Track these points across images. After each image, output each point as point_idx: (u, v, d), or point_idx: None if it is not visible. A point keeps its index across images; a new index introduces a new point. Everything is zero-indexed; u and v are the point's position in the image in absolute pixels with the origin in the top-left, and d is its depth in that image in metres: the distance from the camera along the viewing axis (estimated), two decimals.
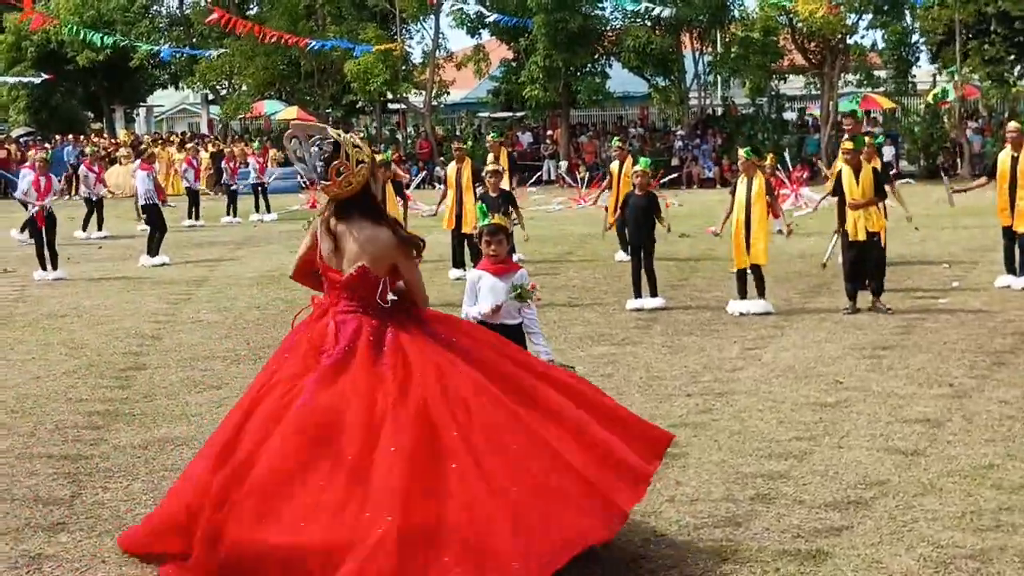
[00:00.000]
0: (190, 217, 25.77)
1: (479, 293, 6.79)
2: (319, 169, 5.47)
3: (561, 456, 5.25)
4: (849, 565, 5.42)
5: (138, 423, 8.37)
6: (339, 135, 5.53)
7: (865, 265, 12.31)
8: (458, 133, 41.84)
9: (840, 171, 12.54)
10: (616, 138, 20.40)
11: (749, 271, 12.47)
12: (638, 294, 12.92)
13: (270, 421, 5.24)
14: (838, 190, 12.46)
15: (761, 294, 12.49)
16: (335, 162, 5.39)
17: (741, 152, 12.89)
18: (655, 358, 10.25)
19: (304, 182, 25.86)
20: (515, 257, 15.91)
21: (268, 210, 27.01)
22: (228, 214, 26.66)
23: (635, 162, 16.35)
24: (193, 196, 26.06)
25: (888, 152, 32.21)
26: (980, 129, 36.60)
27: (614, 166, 17.45)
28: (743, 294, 12.51)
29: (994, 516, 6.01)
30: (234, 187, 27.15)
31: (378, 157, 15.30)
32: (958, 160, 35.04)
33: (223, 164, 29.10)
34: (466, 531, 4.83)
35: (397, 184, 17.12)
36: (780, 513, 6.13)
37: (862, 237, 12.14)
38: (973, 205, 23.85)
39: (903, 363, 9.71)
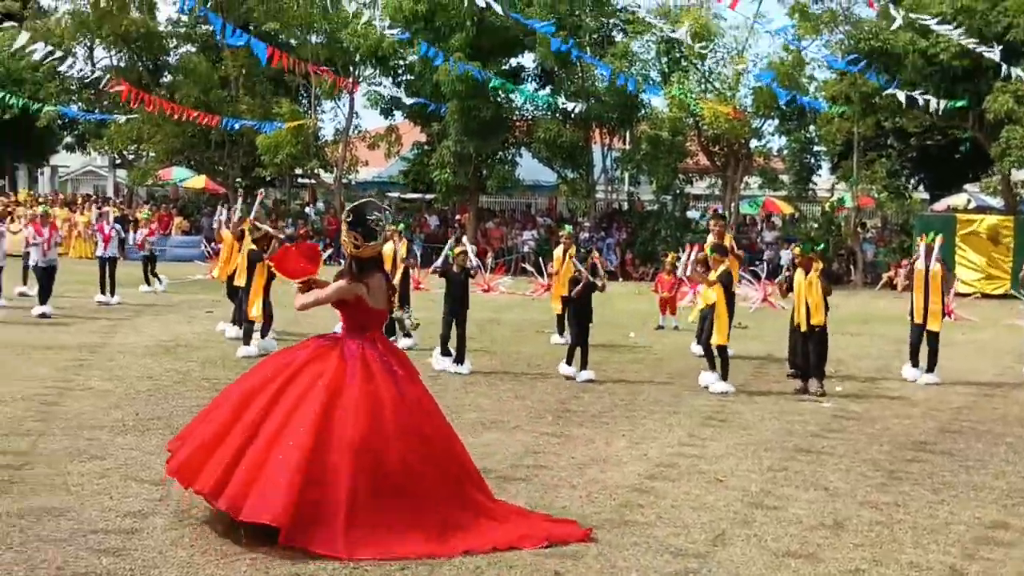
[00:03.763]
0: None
1: None
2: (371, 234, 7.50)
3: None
4: None
5: (16, 491, 8.21)
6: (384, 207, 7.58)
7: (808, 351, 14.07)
8: None
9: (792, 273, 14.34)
10: (568, 227, 20.77)
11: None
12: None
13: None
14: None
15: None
16: (388, 227, 7.03)
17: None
18: (540, 445, 10.37)
19: (208, 252, 25.38)
20: (407, 343, 16.20)
21: (159, 280, 25.71)
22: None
23: (578, 251, 17.01)
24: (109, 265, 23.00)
25: (785, 256, 33.03)
26: (874, 239, 37.76)
27: (558, 251, 18.20)
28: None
29: None
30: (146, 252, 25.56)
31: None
32: (851, 267, 36.07)
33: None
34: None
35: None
36: None
37: (804, 328, 13.96)
38: (857, 312, 24.61)
39: (782, 464, 9.98)
